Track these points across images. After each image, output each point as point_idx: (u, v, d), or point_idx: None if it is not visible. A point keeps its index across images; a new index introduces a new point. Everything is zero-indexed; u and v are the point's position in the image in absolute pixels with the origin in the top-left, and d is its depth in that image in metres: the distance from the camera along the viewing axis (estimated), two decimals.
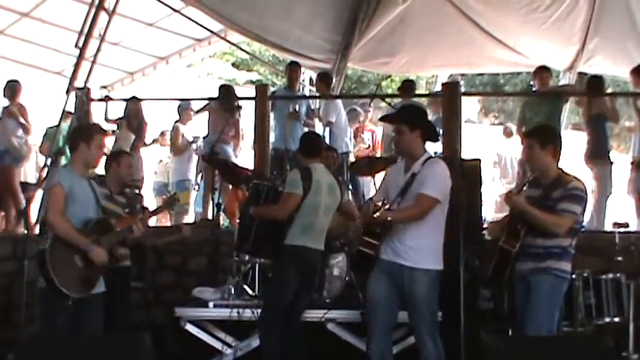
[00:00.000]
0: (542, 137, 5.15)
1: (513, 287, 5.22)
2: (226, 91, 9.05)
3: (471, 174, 6.57)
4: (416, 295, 5.03)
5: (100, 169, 7.62)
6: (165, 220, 10.16)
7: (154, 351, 4.11)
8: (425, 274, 5.04)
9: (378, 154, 9.56)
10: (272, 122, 8.69)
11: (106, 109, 9.42)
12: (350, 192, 7.58)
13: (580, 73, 10.88)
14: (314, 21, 10.61)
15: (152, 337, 4.09)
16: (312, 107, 9.61)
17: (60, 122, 8.50)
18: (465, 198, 5.33)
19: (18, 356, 4.12)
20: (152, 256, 7.12)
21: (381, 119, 6.39)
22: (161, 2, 9.45)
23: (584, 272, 5.92)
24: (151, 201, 10.12)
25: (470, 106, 19.50)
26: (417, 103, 9.02)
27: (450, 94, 7.93)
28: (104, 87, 11.73)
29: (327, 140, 8.85)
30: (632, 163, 8.29)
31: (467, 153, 7.42)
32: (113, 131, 9.41)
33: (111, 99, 9.93)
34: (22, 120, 8.70)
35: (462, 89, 8.66)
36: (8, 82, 8.86)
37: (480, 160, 6.96)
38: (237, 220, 6.78)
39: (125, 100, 9.45)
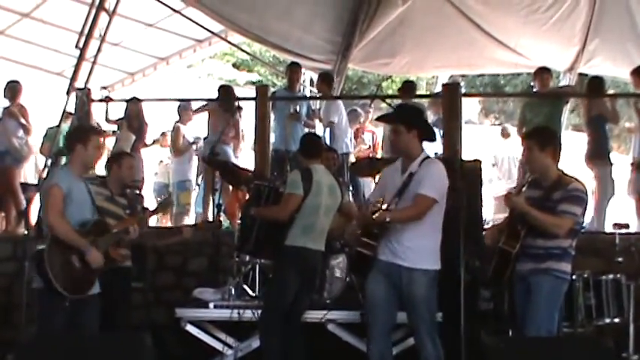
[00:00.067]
0: (541, 139, 5.14)
1: (513, 288, 5.22)
2: (226, 91, 9.06)
3: (472, 175, 6.57)
4: (415, 295, 5.03)
5: (101, 170, 7.63)
6: (165, 221, 10.16)
7: (155, 352, 4.10)
8: (423, 274, 5.04)
9: (379, 155, 9.55)
10: (272, 123, 8.69)
11: (107, 110, 9.43)
12: (350, 193, 7.58)
13: (580, 74, 10.89)
14: (314, 22, 10.62)
15: (152, 338, 4.08)
16: (313, 108, 9.61)
17: (60, 123, 8.49)
18: (465, 199, 5.33)
19: (18, 357, 4.12)
20: (152, 257, 7.12)
21: (378, 119, 6.39)
22: (161, 3, 9.45)
23: (585, 273, 5.91)
24: (151, 202, 10.11)
25: (470, 107, 19.52)
26: (415, 103, 9.01)
27: (451, 95, 7.93)
28: (104, 87, 11.74)
29: (327, 141, 8.86)
30: (632, 164, 8.29)
31: (467, 154, 7.42)
32: (114, 132, 9.43)
33: (111, 100, 9.94)
34: (22, 121, 8.70)
35: (463, 90, 8.66)
36: (9, 82, 8.86)
37: (480, 161, 6.95)
38: (238, 221, 6.78)
39: (126, 100, 9.45)
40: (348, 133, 9.35)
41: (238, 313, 6.04)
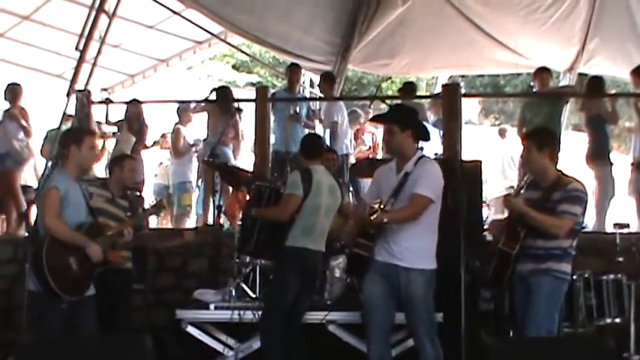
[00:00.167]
0: (539, 140, 5.14)
1: (514, 288, 5.22)
2: (223, 92, 9.06)
3: (472, 175, 6.58)
4: (413, 295, 5.04)
5: (101, 172, 7.63)
6: (166, 222, 10.17)
7: (155, 353, 4.10)
8: (421, 274, 5.05)
9: (379, 156, 9.55)
10: (272, 124, 8.69)
11: (107, 112, 9.43)
12: (351, 194, 7.58)
13: (580, 74, 10.88)
14: (314, 23, 10.62)
15: (153, 339, 4.08)
16: (313, 109, 9.61)
17: (61, 125, 8.48)
18: (465, 199, 5.33)
19: (18, 358, 4.12)
20: (153, 258, 7.13)
21: (372, 119, 6.40)
22: (161, 4, 9.45)
23: (585, 273, 5.92)
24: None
25: (470, 107, 19.51)
26: (415, 104, 9.01)
27: (451, 95, 7.94)
28: (105, 89, 11.73)
29: (327, 142, 8.85)
30: (632, 164, 8.28)
31: (467, 154, 7.42)
32: (114, 133, 9.44)
33: (111, 101, 9.95)
34: (23, 123, 8.70)
35: (463, 90, 8.66)
36: (9, 85, 8.86)
37: (480, 162, 6.96)
38: (239, 222, 6.78)
39: (126, 102, 9.46)
40: (348, 135, 9.35)
41: (239, 315, 6.03)
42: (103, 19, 8.46)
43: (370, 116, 10.11)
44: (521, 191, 5.11)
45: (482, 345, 4.90)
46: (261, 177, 7.42)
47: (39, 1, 10.09)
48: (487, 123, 21.77)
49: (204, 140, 9.12)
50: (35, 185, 8.71)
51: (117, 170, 6.13)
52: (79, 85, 8.45)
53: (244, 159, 9.58)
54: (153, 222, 7.58)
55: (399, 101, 9.09)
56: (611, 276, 6.06)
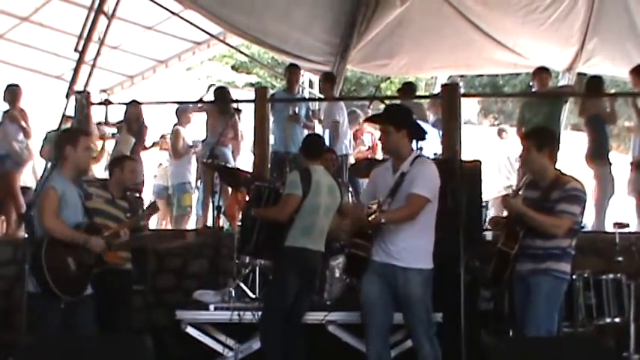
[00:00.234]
0: (538, 140, 5.15)
1: (513, 288, 5.22)
2: (221, 93, 9.05)
3: (471, 175, 6.58)
4: (411, 295, 5.04)
5: (101, 173, 7.63)
6: (166, 223, 10.17)
7: (155, 354, 4.10)
8: (418, 273, 5.05)
9: (378, 156, 9.54)
10: (271, 125, 8.69)
11: (106, 113, 9.43)
12: (350, 194, 7.58)
13: (579, 74, 10.89)
14: (313, 23, 10.62)
15: (153, 340, 4.08)
16: (312, 109, 9.61)
17: (60, 126, 8.49)
18: (465, 199, 5.34)
19: (18, 359, 4.13)
20: (153, 259, 7.13)
21: (367, 120, 6.40)
22: (160, 6, 9.46)
23: (585, 273, 5.92)
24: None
25: (469, 107, 19.48)
26: (414, 104, 9.01)
27: (450, 95, 7.93)
28: (104, 91, 11.75)
29: (326, 142, 8.85)
30: (631, 163, 8.29)
31: (467, 154, 7.42)
32: (113, 135, 9.43)
33: (111, 103, 9.97)
34: (23, 124, 8.70)
35: (462, 90, 8.64)
36: (8, 86, 8.87)
37: (480, 162, 6.96)
38: (238, 223, 6.79)
39: (125, 103, 9.46)
40: (347, 135, 9.35)
41: (239, 315, 6.03)
42: (102, 21, 8.47)
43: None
44: (520, 191, 5.12)
45: (482, 345, 4.91)
46: (260, 177, 7.42)
47: (38, 2, 10.10)
48: (486, 123, 21.76)
49: (203, 141, 9.11)
50: (34, 187, 8.71)
51: (117, 171, 6.13)
52: (79, 87, 8.45)
53: (244, 159, 9.58)
54: (153, 223, 7.57)
55: (398, 101, 9.11)
56: (611, 275, 6.06)
